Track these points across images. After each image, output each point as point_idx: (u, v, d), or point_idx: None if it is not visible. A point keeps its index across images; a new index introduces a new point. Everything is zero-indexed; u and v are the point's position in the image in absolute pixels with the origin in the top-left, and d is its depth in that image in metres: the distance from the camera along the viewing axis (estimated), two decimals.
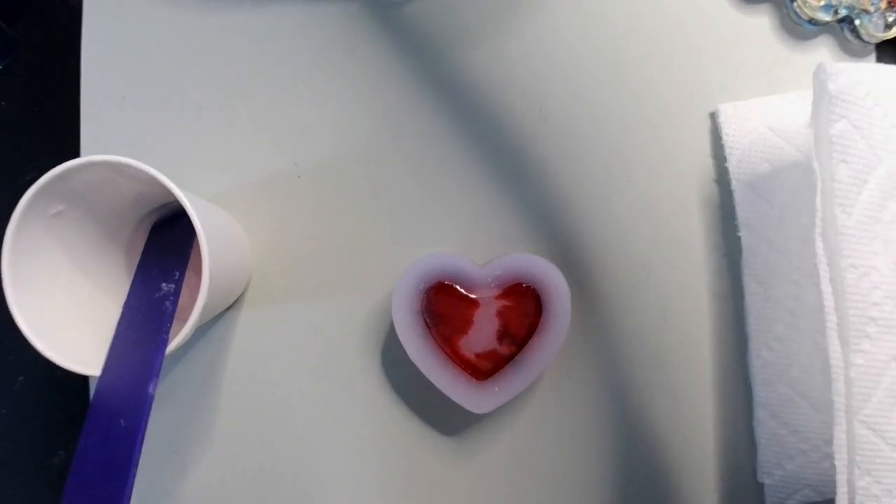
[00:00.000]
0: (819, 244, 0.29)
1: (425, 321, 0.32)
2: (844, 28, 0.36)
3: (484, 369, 0.32)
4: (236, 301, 0.35)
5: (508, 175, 0.36)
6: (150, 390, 0.26)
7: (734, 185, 0.35)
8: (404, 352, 0.32)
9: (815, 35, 0.36)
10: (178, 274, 0.30)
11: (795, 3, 0.35)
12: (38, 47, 0.36)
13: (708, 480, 0.35)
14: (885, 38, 0.35)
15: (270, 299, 0.35)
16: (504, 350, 0.32)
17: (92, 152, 0.35)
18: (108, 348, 0.28)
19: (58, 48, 0.36)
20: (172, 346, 0.27)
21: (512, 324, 0.32)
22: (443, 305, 0.32)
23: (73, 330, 0.29)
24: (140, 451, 0.25)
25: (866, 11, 0.35)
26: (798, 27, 0.36)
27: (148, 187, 0.29)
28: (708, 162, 0.36)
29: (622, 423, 0.35)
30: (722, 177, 0.36)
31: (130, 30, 0.36)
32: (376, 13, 0.36)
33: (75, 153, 0.35)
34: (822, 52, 0.36)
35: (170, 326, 0.28)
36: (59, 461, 0.36)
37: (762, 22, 0.36)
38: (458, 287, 0.32)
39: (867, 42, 0.36)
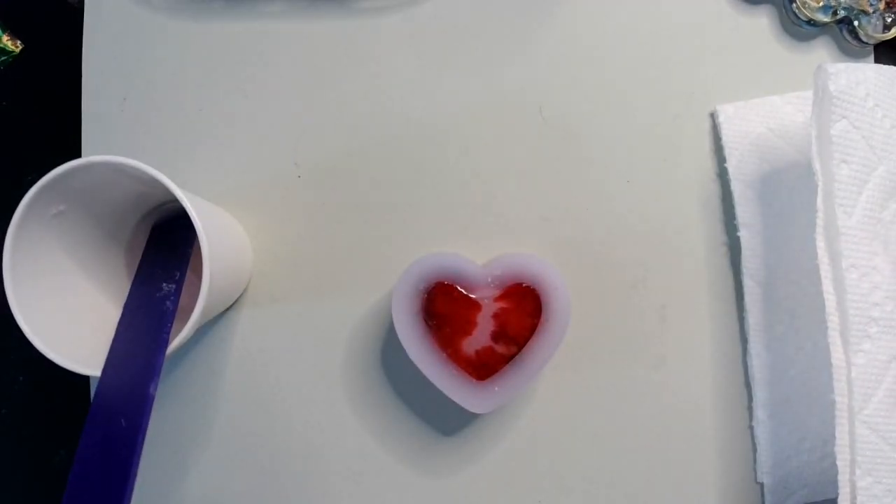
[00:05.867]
0: (820, 244, 0.29)
1: (425, 321, 0.32)
2: (843, 29, 0.36)
3: (484, 369, 0.32)
4: (236, 301, 0.35)
5: (508, 175, 0.36)
6: (151, 390, 0.26)
7: (734, 185, 0.35)
8: (404, 352, 0.32)
9: (813, 36, 0.37)
10: (178, 274, 0.30)
11: (794, 4, 0.35)
12: (40, 48, 0.36)
13: (708, 480, 0.35)
14: (884, 39, 0.35)
15: (270, 299, 0.35)
16: (504, 350, 0.32)
17: (93, 153, 0.35)
18: (109, 348, 0.28)
19: (59, 49, 0.36)
20: (173, 345, 0.27)
21: (512, 324, 0.32)
22: (443, 305, 0.32)
23: (74, 330, 0.29)
24: (141, 451, 0.25)
25: (865, 12, 0.35)
26: (797, 28, 0.36)
27: (149, 188, 0.29)
28: (708, 162, 0.36)
29: (622, 422, 0.35)
30: (722, 177, 0.36)
31: (131, 31, 0.36)
32: (377, 14, 0.36)
33: (77, 153, 0.35)
34: (821, 53, 0.37)
35: (170, 326, 0.28)
36: (60, 461, 0.36)
37: (761, 23, 0.36)
38: (458, 287, 0.32)
39: (866, 43, 0.36)
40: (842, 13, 0.35)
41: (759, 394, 0.34)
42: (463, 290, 0.32)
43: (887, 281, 0.29)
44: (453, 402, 0.32)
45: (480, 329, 0.32)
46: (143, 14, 0.36)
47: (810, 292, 0.34)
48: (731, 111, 0.35)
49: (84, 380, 0.35)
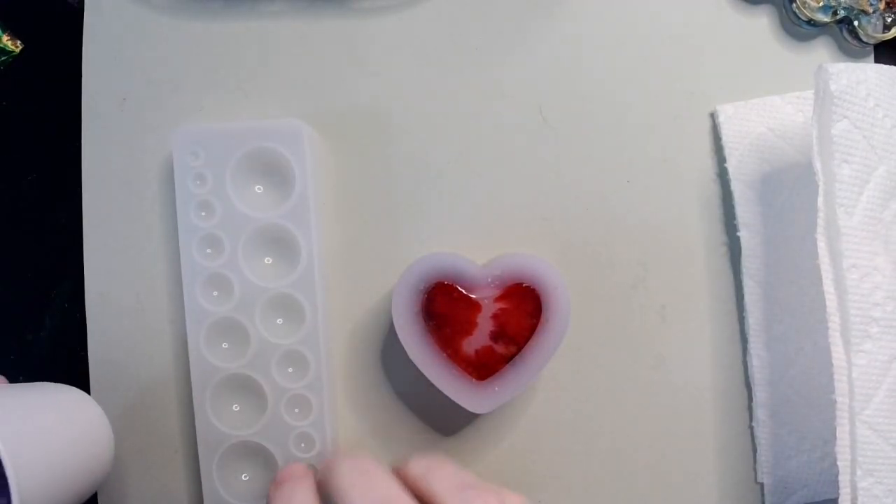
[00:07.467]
0: (821, 244, 0.29)
1: (425, 321, 0.32)
2: (843, 29, 0.36)
3: (484, 369, 0.32)
4: None
5: (508, 175, 0.36)
6: None
7: (734, 185, 0.35)
8: (404, 352, 0.32)
9: (813, 36, 0.37)
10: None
11: (794, 4, 0.35)
12: (39, 48, 0.36)
13: (708, 480, 0.35)
14: (884, 39, 0.35)
15: None
16: (504, 350, 0.32)
17: (92, 153, 0.35)
18: None
19: (59, 49, 0.36)
20: None
21: (511, 324, 0.32)
22: (443, 305, 0.32)
23: None
24: None
25: (865, 12, 0.35)
26: (797, 28, 0.36)
27: None
28: (708, 162, 0.36)
29: (622, 423, 0.35)
30: (722, 177, 0.36)
31: (131, 30, 0.36)
32: (377, 14, 0.36)
33: (77, 153, 0.35)
34: (821, 53, 0.37)
35: None
36: None
37: (762, 23, 0.36)
38: (458, 287, 0.32)
39: (866, 43, 0.36)
40: (842, 13, 0.35)
41: (759, 394, 0.34)
42: (463, 290, 0.32)
43: (888, 281, 0.29)
44: (453, 402, 0.32)
45: (480, 329, 0.32)
46: (143, 14, 0.36)
47: (810, 292, 0.34)
48: (731, 111, 0.35)
49: (84, 379, 0.35)
